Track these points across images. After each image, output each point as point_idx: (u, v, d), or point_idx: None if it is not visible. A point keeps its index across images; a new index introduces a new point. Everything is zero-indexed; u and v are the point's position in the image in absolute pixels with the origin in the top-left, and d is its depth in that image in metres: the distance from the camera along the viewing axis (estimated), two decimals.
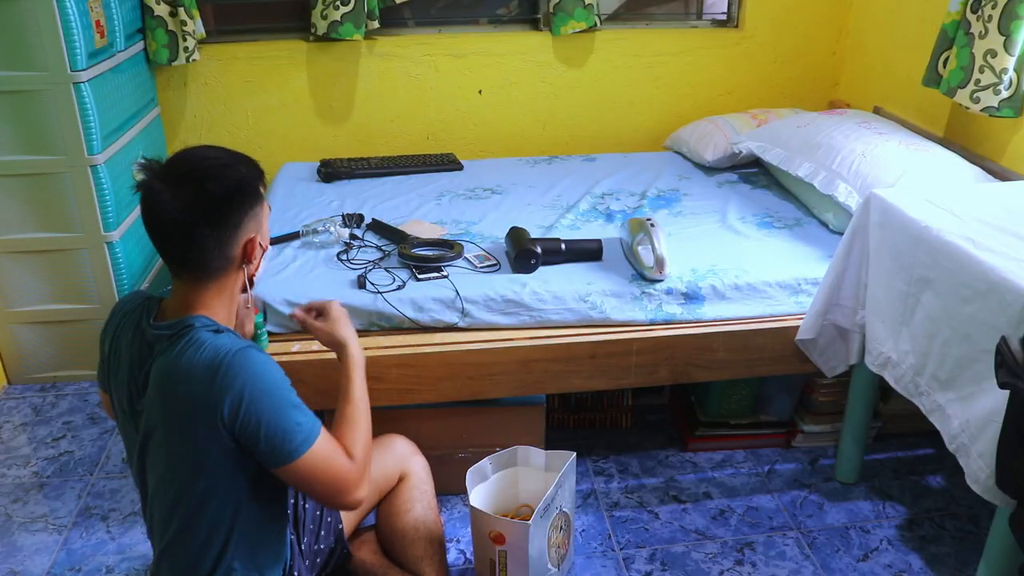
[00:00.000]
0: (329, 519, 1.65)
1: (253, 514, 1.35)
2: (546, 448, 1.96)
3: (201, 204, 1.27)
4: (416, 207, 2.52)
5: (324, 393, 1.92)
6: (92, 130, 2.34)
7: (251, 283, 1.41)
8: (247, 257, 1.36)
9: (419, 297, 1.98)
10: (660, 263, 2.01)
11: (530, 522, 1.69)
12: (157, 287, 2.80)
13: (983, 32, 2.20)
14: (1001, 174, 2.30)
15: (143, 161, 1.31)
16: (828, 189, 2.26)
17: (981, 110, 2.25)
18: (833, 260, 1.99)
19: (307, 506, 1.63)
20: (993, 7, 2.16)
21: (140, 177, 1.30)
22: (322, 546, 1.63)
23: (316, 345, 1.94)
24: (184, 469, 1.29)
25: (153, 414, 1.29)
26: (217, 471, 1.29)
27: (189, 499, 1.30)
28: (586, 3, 2.95)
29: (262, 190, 1.39)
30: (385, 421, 2.04)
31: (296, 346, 1.94)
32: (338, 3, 2.78)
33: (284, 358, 1.90)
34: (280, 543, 1.43)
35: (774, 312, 2.07)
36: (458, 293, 1.98)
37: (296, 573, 1.49)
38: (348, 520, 1.70)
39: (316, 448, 1.29)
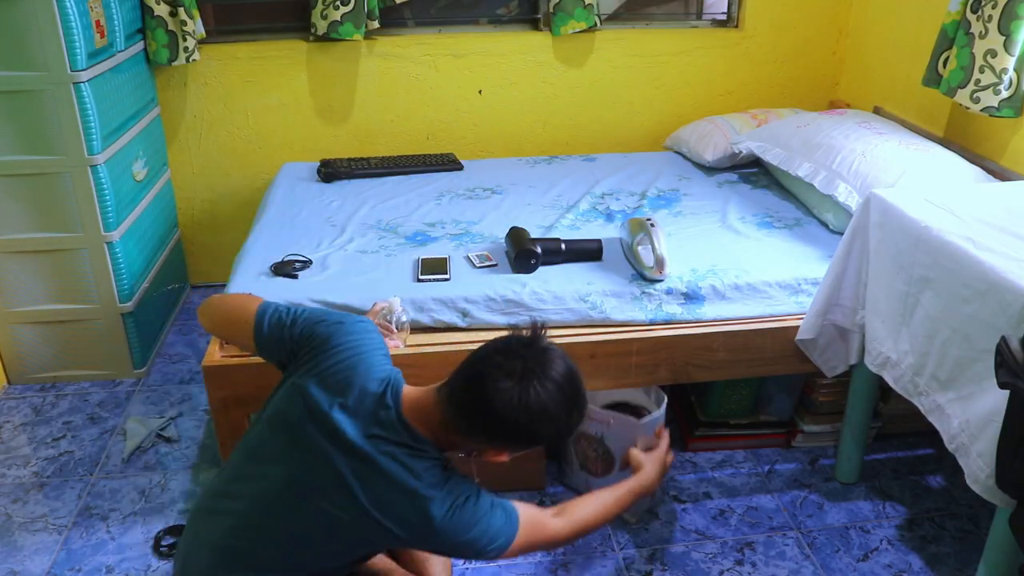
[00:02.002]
0: None
1: None
2: (546, 454, 1.95)
3: (505, 420, 1.30)
4: (416, 207, 2.52)
5: None
6: (92, 130, 2.34)
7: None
8: (471, 455, 1.41)
9: (420, 297, 1.98)
10: (660, 263, 2.01)
11: None
12: (157, 287, 2.81)
13: (983, 32, 2.20)
14: (1001, 174, 2.30)
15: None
16: (828, 189, 2.26)
17: (981, 110, 2.25)
18: (833, 260, 1.99)
19: None
20: (993, 7, 2.16)
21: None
22: None
23: None
24: (303, 532, 1.37)
25: (324, 476, 1.34)
26: (329, 553, 1.39)
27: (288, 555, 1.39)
28: (586, 3, 2.95)
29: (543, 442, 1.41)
30: None
31: None
32: (338, 3, 2.79)
33: None
34: None
35: (774, 312, 2.07)
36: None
37: None
38: None
39: (515, 544, 1.40)
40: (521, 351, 1.33)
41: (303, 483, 1.35)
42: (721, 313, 2.05)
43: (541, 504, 2.14)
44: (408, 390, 1.39)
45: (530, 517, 1.44)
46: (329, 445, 1.33)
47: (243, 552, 1.38)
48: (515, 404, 1.28)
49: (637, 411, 2.17)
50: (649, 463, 1.66)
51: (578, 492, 2.23)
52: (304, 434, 1.36)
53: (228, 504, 1.42)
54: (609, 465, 2.11)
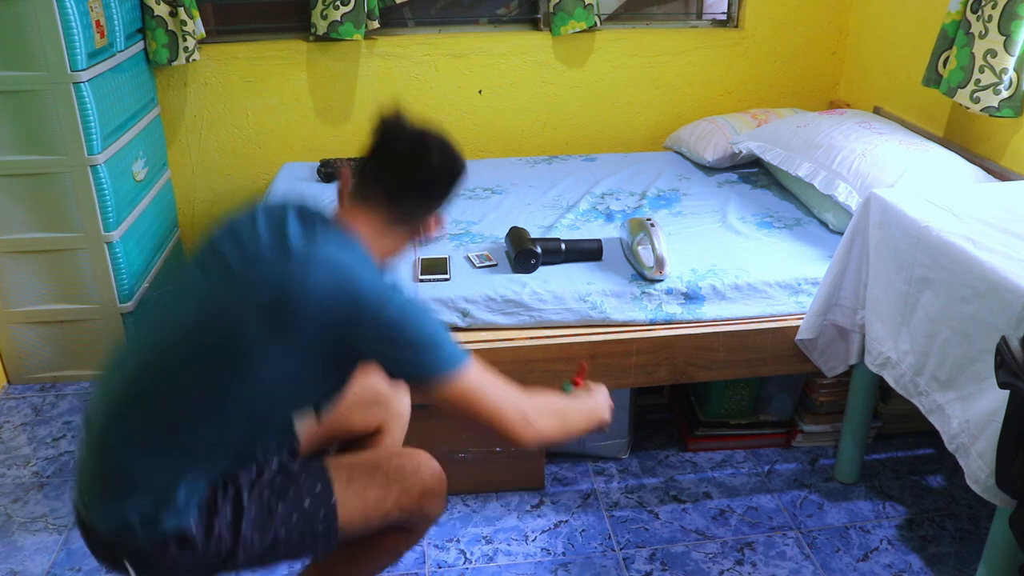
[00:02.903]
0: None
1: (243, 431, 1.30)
2: (546, 454, 1.95)
3: (436, 162, 1.38)
4: None
5: None
6: (92, 130, 2.34)
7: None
8: (426, 229, 1.44)
9: (420, 297, 1.98)
10: (660, 263, 2.01)
11: None
12: (157, 287, 2.81)
13: (983, 32, 2.20)
14: (1001, 174, 2.30)
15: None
16: (828, 189, 2.26)
17: (981, 110, 2.25)
18: (833, 260, 1.99)
19: None
20: (993, 7, 2.16)
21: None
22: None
23: None
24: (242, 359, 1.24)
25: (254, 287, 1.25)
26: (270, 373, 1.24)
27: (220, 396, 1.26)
28: (586, 3, 2.95)
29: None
30: None
31: None
32: (338, 3, 2.79)
33: None
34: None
35: (774, 312, 2.07)
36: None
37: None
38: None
39: (469, 375, 1.28)
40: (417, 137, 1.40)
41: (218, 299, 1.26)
42: (721, 313, 2.05)
43: (541, 503, 2.14)
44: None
45: (482, 366, 1.33)
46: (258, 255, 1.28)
47: (143, 397, 1.28)
48: (428, 133, 1.38)
49: None
50: (596, 388, 1.56)
51: (574, 456, 2.29)
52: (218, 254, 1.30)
53: (129, 358, 1.34)
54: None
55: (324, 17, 2.83)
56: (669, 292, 2.04)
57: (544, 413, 1.38)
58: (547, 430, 1.37)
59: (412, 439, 2.07)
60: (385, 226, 1.39)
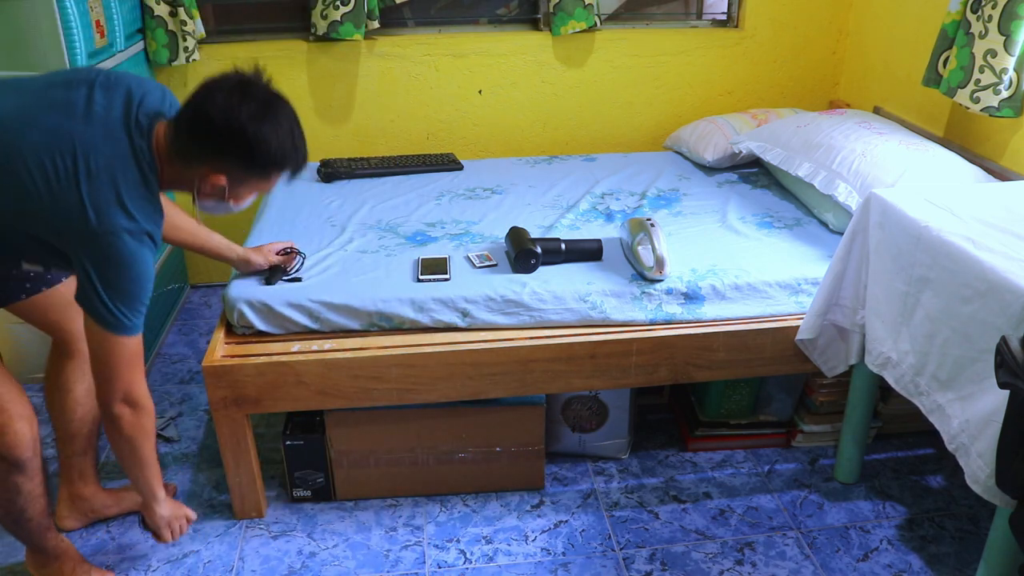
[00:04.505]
0: None
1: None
2: (546, 454, 1.95)
3: (216, 114, 1.43)
4: (416, 207, 2.52)
5: (325, 393, 1.93)
6: None
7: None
8: (201, 182, 1.51)
9: (420, 297, 1.98)
10: (660, 263, 2.01)
11: None
12: (157, 287, 2.80)
13: (983, 32, 2.20)
14: (1001, 174, 2.30)
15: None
16: (828, 189, 2.26)
17: (981, 110, 2.25)
18: (833, 260, 1.99)
19: None
20: (993, 7, 2.16)
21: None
22: None
23: (315, 345, 1.94)
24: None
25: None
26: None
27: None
28: (586, 3, 2.95)
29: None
30: (385, 421, 2.04)
31: (296, 346, 1.94)
32: (338, 3, 2.79)
33: (284, 358, 1.90)
34: None
35: (774, 312, 2.07)
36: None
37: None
38: None
39: (128, 343, 1.50)
40: (242, 80, 1.47)
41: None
42: (721, 313, 2.05)
43: (541, 503, 2.14)
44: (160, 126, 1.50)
45: (139, 349, 1.54)
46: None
47: None
48: (231, 109, 1.41)
49: None
50: (167, 506, 1.78)
51: (574, 456, 2.30)
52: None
53: None
54: (603, 417, 2.22)
55: (324, 17, 2.83)
56: (669, 292, 2.04)
57: (137, 425, 1.58)
58: (126, 422, 1.57)
59: (412, 438, 2.08)
60: (168, 153, 1.48)
